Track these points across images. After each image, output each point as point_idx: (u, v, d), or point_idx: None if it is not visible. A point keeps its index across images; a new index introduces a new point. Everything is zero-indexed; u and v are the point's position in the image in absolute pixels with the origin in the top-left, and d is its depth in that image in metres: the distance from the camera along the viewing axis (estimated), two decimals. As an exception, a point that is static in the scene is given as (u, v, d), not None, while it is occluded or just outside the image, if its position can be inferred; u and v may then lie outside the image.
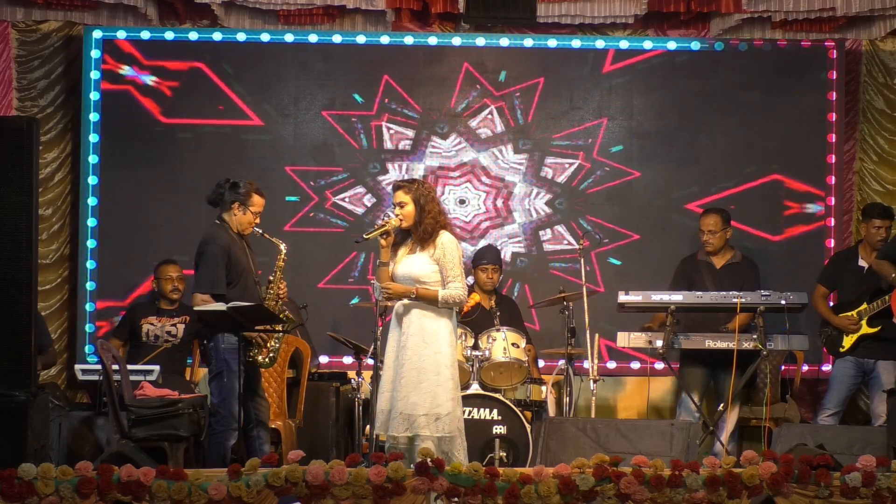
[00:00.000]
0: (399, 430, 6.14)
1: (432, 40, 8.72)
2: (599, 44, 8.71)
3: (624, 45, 8.71)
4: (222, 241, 6.60)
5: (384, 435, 6.22)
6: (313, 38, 8.64)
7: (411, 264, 6.30)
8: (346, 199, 8.65)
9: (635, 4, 8.43)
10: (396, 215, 6.31)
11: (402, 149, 8.69)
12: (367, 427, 6.49)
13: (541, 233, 8.70)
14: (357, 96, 8.67)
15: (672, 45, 8.71)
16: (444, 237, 6.33)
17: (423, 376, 6.16)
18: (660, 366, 8.06)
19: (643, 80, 8.74)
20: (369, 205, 8.65)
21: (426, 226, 6.30)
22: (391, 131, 8.68)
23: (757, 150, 8.69)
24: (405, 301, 6.27)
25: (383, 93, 8.66)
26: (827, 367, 8.31)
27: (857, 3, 8.25)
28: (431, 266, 6.27)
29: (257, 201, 6.72)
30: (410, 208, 6.29)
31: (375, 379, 6.44)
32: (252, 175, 7.04)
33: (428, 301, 6.25)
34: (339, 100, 8.68)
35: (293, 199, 8.58)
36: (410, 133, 8.69)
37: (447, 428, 6.18)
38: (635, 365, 8.56)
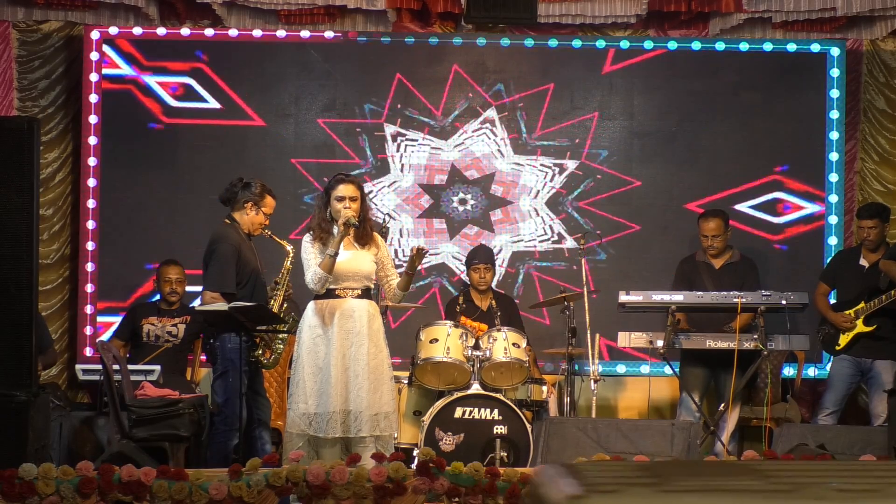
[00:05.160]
0: (373, 430, 6.19)
1: (433, 40, 8.72)
2: (600, 44, 8.72)
3: (624, 45, 8.71)
4: (233, 241, 6.62)
5: (330, 435, 6.18)
6: (314, 37, 8.64)
7: (359, 262, 6.33)
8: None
9: (636, 4, 8.43)
10: (347, 207, 6.29)
11: (404, 150, 8.69)
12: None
13: (540, 232, 8.70)
14: (359, 97, 8.68)
15: (672, 45, 8.71)
16: (377, 236, 6.49)
17: (374, 375, 6.25)
18: (661, 366, 8.08)
19: (643, 80, 8.74)
20: (371, 206, 8.63)
21: (371, 224, 6.45)
22: (391, 132, 8.68)
23: (757, 150, 8.69)
24: (351, 299, 6.30)
25: (388, 94, 8.66)
26: (811, 370, 8.32)
27: (857, 4, 8.25)
28: (374, 265, 6.34)
29: (269, 202, 6.78)
30: (358, 204, 6.33)
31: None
32: (253, 175, 7.04)
33: (407, 288, 6.45)
34: (340, 100, 8.69)
35: (308, 198, 8.56)
36: (412, 134, 8.69)
37: (394, 425, 6.38)
38: (636, 365, 8.56)
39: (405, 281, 6.44)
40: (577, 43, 8.72)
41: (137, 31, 8.58)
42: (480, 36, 8.70)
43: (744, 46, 8.67)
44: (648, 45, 8.71)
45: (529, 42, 8.70)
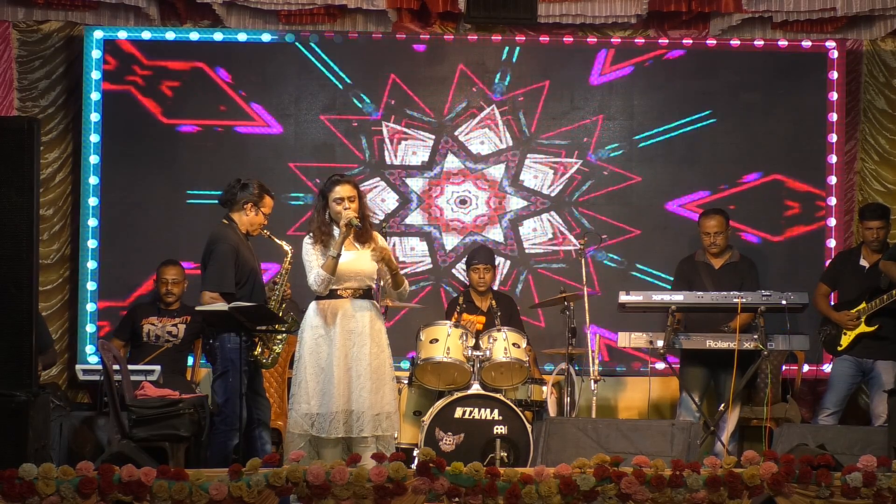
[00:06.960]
0: (374, 430, 6.22)
1: (432, 40, 8.72)
2: (600, 44, 8.72)
3: (624, 45, 8.71)
4: (232, 241, 6.63)
5: (332, 435, 6.20)
6: (314, 37, 8.64)
7: (360, 262, 6.34)
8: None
9: (636, 4, 8.43)
10: (347, 208, 6.30)
11: (404, 149, 8.69)
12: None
13: (541, 233, 8.70)
14: (359, 97, 8.69)
15: (672, 45, 8.71)
16: (377, 235, 6.48)
17: (376, 375, 6.27)
18: (661, 366, 8.08)
19: (643, 80, 8.74)
20: (369, 205, 8.64)
21: (371, 223, 6.44)
22: (392, 131, 8.69)
23: (757, 150, 8.70)
24: (353, 300, 6.31)
25: (388, 93, 8.67)
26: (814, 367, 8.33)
27: (857, 3, 8.24)
28: (375, 265, 6.34)
29: (268, 202, 6.80)
30: (357, 204, 6.33)
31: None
32: (253, 175, 7.05)
33: (400, 285, 6.44)
34: (340, 100, 8.69)
35: (297, 202, 8.58)
36: (411, 133, 8.70)
37: (396, 425, 6.41)
38: (636, 365, 8.56)
39: (393, 280, 6.45)
40: (576, 43, 8.72)
41: (137, 31, 8.57)
42: (480, 36, 8.70)
43: (744, 46, 8.68)
44: (648, 45, 8.71)
45: (529, 42, 8.70)
